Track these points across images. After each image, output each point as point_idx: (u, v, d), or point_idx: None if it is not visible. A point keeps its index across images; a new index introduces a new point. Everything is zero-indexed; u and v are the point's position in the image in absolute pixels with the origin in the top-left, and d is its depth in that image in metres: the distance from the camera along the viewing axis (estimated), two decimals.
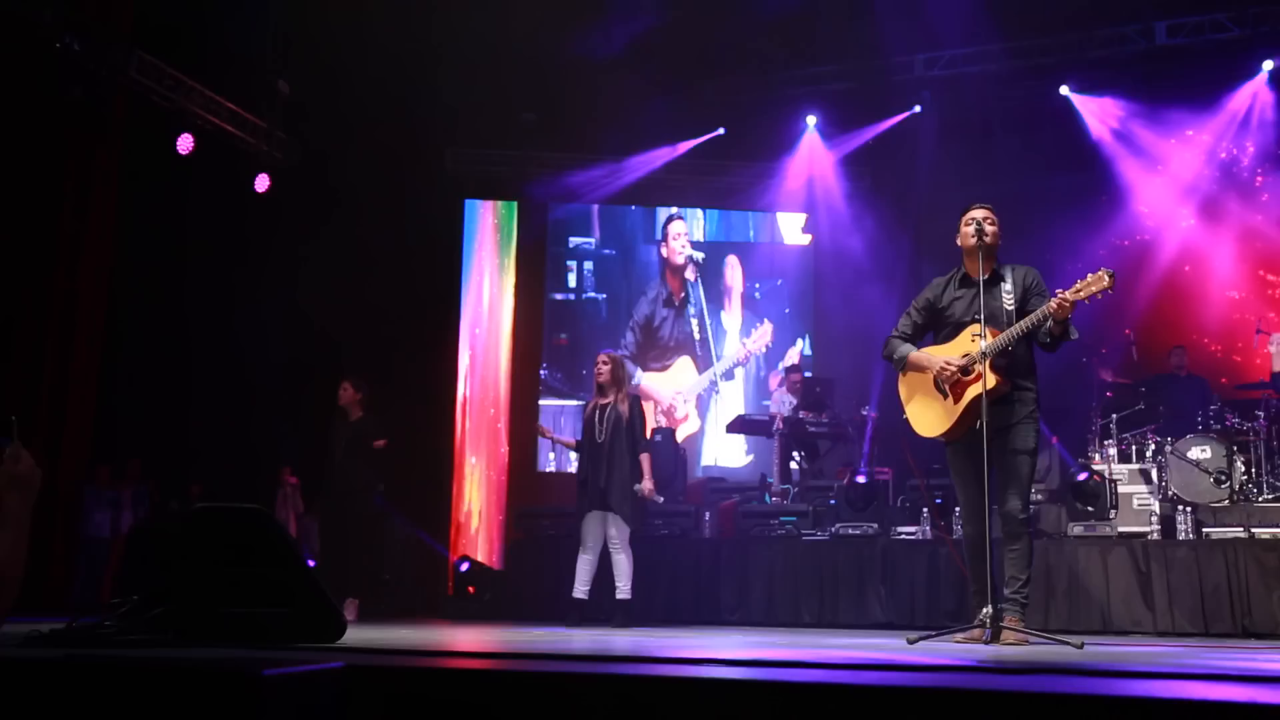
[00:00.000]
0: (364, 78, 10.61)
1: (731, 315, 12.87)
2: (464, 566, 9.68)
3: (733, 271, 12.94)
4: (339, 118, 11.08)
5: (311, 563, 8.77)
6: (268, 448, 10.67)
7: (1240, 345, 11.26)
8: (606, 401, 7.67)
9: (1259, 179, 11.58)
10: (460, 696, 2.69)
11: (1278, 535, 7.57)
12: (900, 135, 12.20)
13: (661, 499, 8.01)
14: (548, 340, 12.63)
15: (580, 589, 7.49)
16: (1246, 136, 11.40)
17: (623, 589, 7.46)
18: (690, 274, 12.81)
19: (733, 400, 12.53)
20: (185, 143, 9.99)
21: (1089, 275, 5.02)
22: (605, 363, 7.73)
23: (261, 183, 10.78)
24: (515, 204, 12.72)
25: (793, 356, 12.48)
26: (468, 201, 12.69)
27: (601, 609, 7.56)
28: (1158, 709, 2.43)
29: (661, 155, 12.44)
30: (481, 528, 12.15)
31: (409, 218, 11.59)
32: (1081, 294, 5.01)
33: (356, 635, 4.23)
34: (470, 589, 9.42)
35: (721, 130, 12.28)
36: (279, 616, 3.82)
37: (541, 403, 12.29)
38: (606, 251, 12.92)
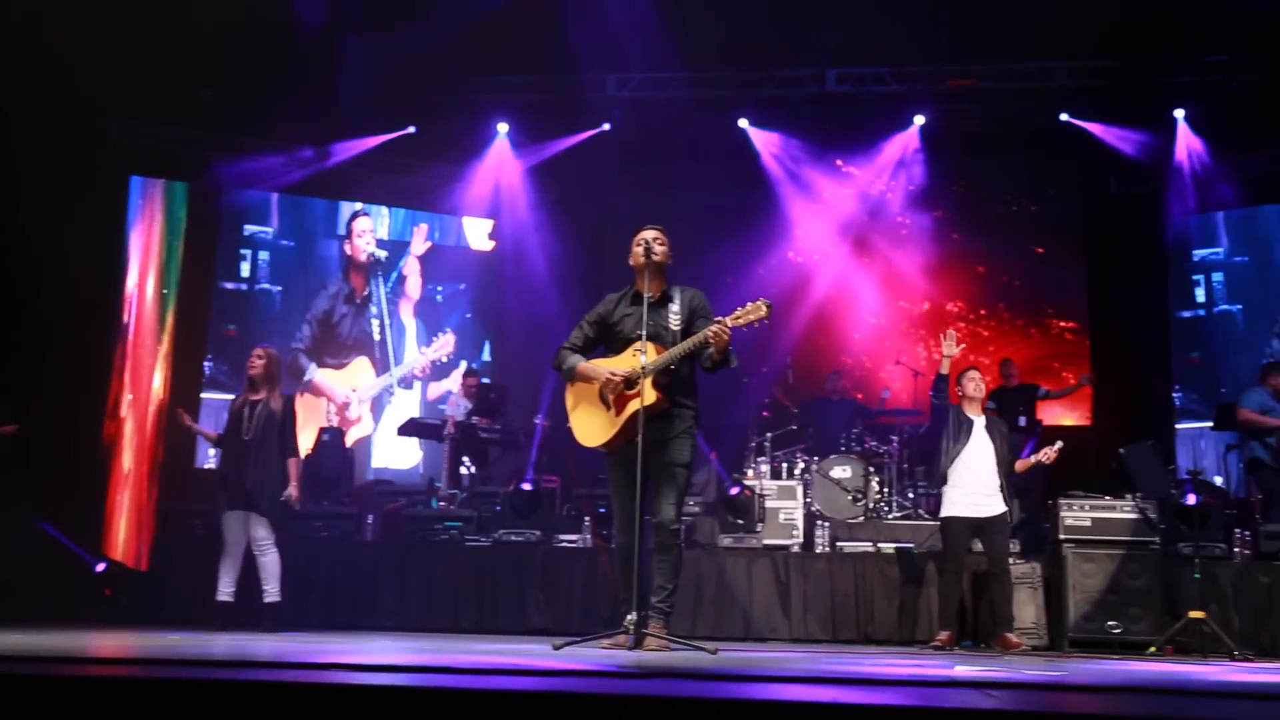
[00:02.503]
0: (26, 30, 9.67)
1: (412, 318, 12.69)
2: (100, 567, 9.00)
3: (414, 273, 12.75)
4: None
5: None
6: None
7: (883, 374, 12.24)
8: (258, 398, 7.42)
9: (903, 220, 12.67)
10: (61, 706, 2.50)
11: (901, 549, 8.27)
12: (589, 151, 12.44)
13: (298, 507, 7.80)
14: (215, 331, 11.97)
15: (224, 591, 7.19)
16: (896, 181, 12.47)
17: (271, 592, 7.22)
18: (373, 273, 12.53)
19: (411, 401, 12.35)
20: None
21: (748, 304, 5.30)
22: (261, 357, 7.51)
23: None
24: (186, 185, 11.99)
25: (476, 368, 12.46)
26: (134, 179, 11.84)
27: (252, 612, 7.27)
28: (774, 710, 2.59)
29: (349, 148, 12.10)
30: (131, 527, 11.34)
31: (67, 192, 10.65)
32: (740, 321, 5.29)
33: None
34: (107, 591, 8.78)
35: (412, 129, 12.10)
36: None
37: (205, 396, 11.63)
38: (284, 242, 12.41)
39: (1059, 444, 7.36)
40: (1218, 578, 7.60)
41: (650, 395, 5.30)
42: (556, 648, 4.81)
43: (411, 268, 12.74)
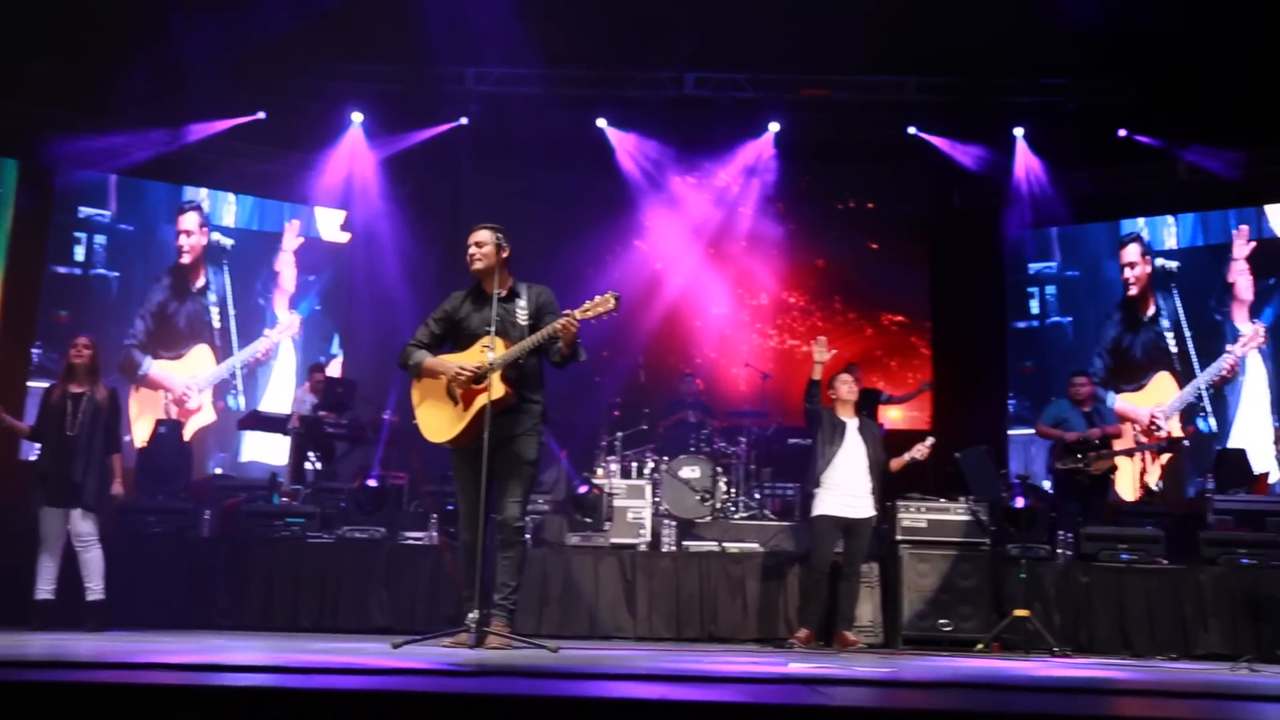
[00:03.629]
0: None
1: (287, 311, 12.34)
2: None
3: (287, 266, 12.41)
4: None
5: None
6: None
7: (734, 373, 12.45)
8: (80, 390, 7.16)
9: (755, 224, 12.88)
10: None
11: (745, 549, 8.41)
12: (445, 145, 12.30)
13: (119, 505, 7.53)
14: (44, 317, 11.42)
15: (44, 590, 6.90)
16: (750, 186, 12.68)
17: (94, 590, 6.96)
18: (213, 259, 12.14)
19: (262, 394, 12.02)
20: None
21: (596, 297, 5.33)
22: (87, 347, 7.26)
23: None
24: (16, 163, 11.39)
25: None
26: None
27: (76, 612, 6.96)
28: (607, 707, 2.59)
29: (194, 132, 11.68)
30: None
31: None
32: (589, 314, 5.30)
33: None
34: None
35: (262, 115, 11.76)
36: None
37: (31, 384, 11.07)
38: (123, 227, 11.92)
39: (931, 440, 7.57)
40: (1042, 577, 7.94)
41: (499, 389, 5.28)
42: (395, 646, 4.74)
43: (285, 261, 12.41)
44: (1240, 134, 11.02)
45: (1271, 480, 10.49)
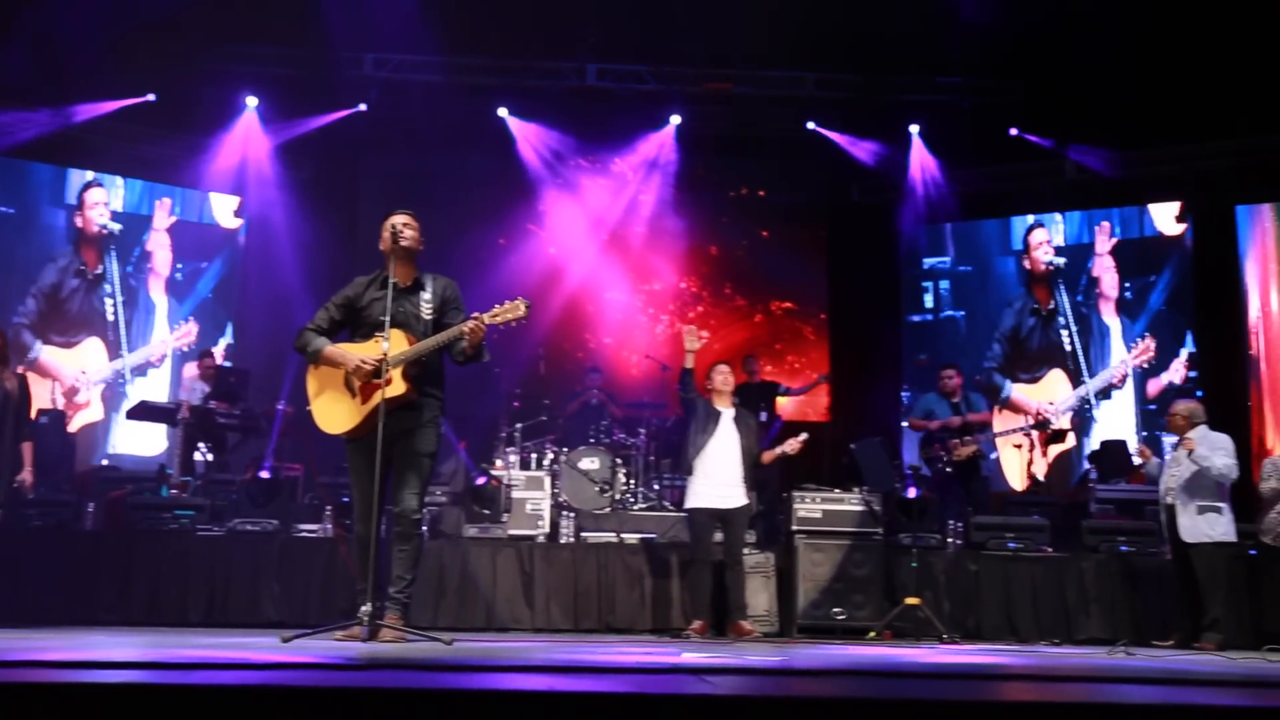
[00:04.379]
0: None
1: (163, 294, 12.01)
2: None
3: (161, 248, 12.07)
4: None
5: None
6: None
7: (635, 364, 12.48)
8: None
9: (654, 216, 12.91)
10: None
11: (644, 540, 8.44)
12: (343, 131, 12.11)
13: (32, 495, 7.29)
14: None
15: None
16: (652, 179, 12.72)
17: None
18: (106, 247, 11.78)
19: (156, 384, 11.71)
20: None
21: (506, 302, 5.30)
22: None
23: None
24: None
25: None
26: None
27: None
28: (492, 699, 2.58)
29: (81, 112, 11.31)
30: None
31: None
32: (498, 319, 5.27)
33: None
34: None
35: (152, 96, 11.43)
36: None
37: None
38: (3, 210, 11.51)
39: (804, 436, 7.68)
40: (932, 566, 8.13)
41: (399, 386, 5.21)
42: (285, 640, 4.65)
43: (158, 242, 12.06)
44: (1125, 135, 11.39)
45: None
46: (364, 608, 4.91)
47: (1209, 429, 7.71)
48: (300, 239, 11.66)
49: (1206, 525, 7.46)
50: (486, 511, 8.47)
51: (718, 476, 7.45)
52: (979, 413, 9.63)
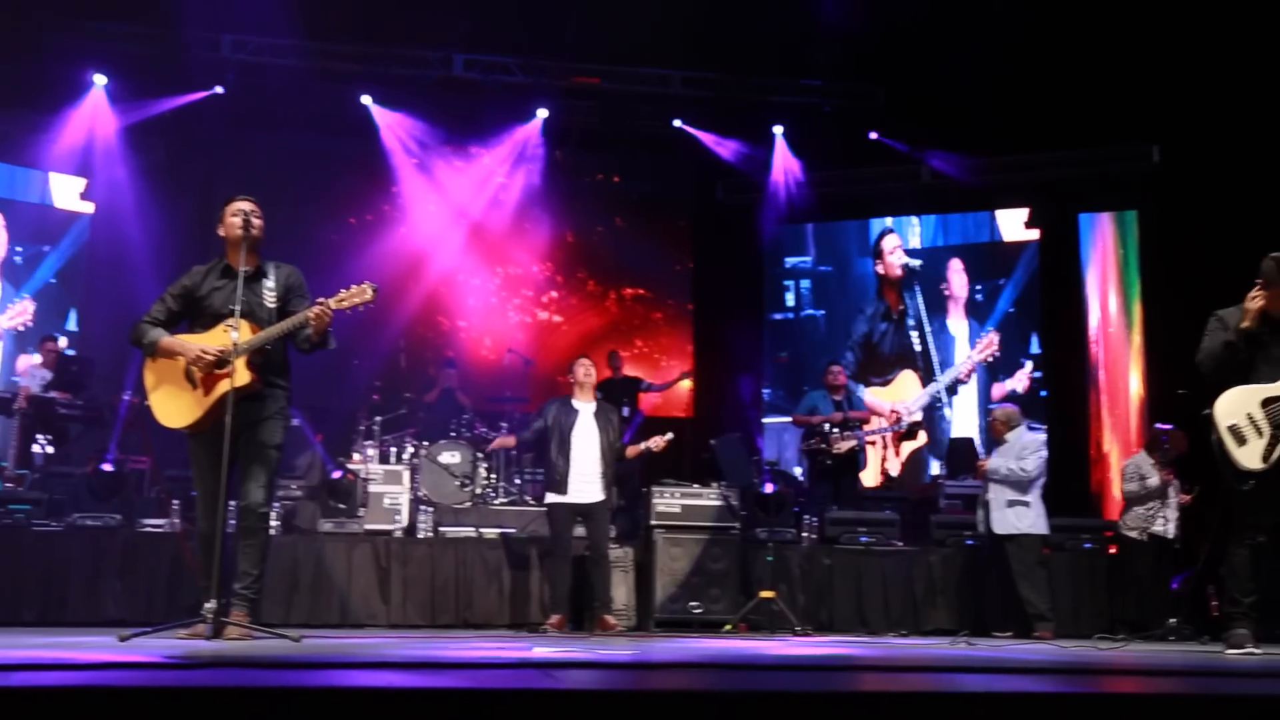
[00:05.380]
0: None
1: None
2: None
3: None
4: None
5: None
6: None
7: (494, 352, 12.41)
8: None
9: (518, 209, 12.83)
10: None
11: (503, 534, 8.39)
12: (198, 114, 11.70)
13: None
14: None
15: None
16: (518, 172, 12.63)
17: None
18: None
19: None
20: None
21: (353, 286, 5.17)
22: None
23: None
24: None
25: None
26: None
27: None
28: (330, 696, 2.52)
29: None
30: None
31: None
32: (344, 304, 5.14)
33: None
34: None
35: None
36: None
37: None
38: None
39: (669, 435, 7.73)
40: (788, 560, 8.28)
41: (244, 376, 5.05)
42: (123, 639, 4.48)
43: None
44: (979, 142, 11.77)
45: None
46: (208, 605, 4.76)
47: (1027, 429, 8.20)
48: (150, 224, 11.20)
49: (1015, 518, 7.90)
50: (342, 506, 8.31)
51: (576, 471, 7.44)
52: (859, 411, 9.86)
